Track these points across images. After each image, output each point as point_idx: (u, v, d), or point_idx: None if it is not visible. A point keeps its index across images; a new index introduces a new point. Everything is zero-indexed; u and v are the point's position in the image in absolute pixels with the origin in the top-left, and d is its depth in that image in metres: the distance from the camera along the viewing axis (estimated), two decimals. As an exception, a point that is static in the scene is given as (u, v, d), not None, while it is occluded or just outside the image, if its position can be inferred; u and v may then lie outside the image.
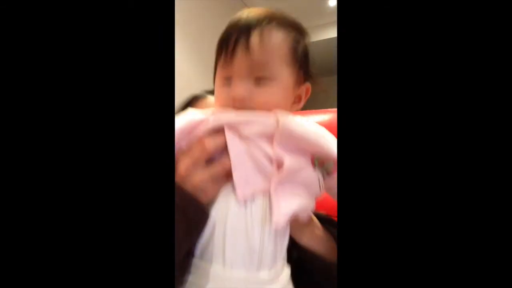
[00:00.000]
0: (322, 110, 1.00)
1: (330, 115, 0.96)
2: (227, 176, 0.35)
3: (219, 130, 0.36)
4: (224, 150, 0.35)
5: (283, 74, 0.37)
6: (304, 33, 0.40)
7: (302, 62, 0.39)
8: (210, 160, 0.36)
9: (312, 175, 0.37)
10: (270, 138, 0.34)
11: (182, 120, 0.37)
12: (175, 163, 0.36)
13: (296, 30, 0.39)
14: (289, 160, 0.34)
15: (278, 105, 0.37)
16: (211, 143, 0.35)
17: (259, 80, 0.36)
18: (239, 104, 0.36)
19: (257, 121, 0.35)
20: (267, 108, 0.36)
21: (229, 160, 0.34)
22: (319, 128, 0.37)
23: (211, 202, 0.36)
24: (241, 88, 0.35)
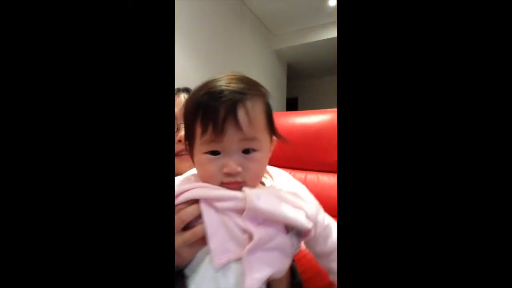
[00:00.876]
0: (322, 110, 1.00)
1: (330, 115, 0.96)
2: (201, 241, 0.38)
3: (194, 201, 0.39)
4: (198, 216, 0.38)
5: (266, 142, 0.40)
6: (267, 93, 0.42)
7: (272, 122, 0.42)
8: (186, 226, 0.39)
9: (284, 240, 0.39)
10: (241, 211, 0.37)
11: None
12: None
13: (264, 93, 0.41)
14: (258, 234, 0.36)
15: (264, 169, 0.42)
16: (187, 213, 0.38)
17: (247, 151, 0.39)
18: (232, 178, 0.38)
19: (229, 197, 0.37)
20: (258, 175, 0.40)
21: (203, 228, 0.37)
22: (290, 198, 0.40)
23: (187, 264, 0.39)
24: (234, 163, 0.38)
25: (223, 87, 0.37)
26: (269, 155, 0.42)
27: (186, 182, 0.42)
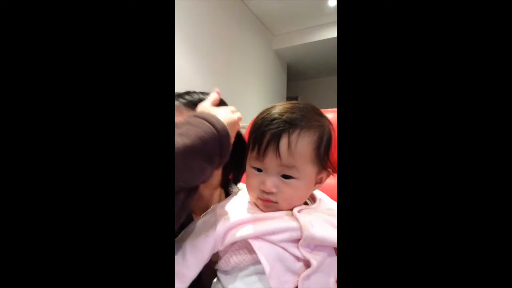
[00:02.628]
0: (322, 110, 1.00)
1: (330, 115, 0.96)
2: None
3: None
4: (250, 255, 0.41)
5: (307, 172, 0.42)
6: (328, 127, 0.45)
7: (324, 155, 0.44)
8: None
9: (335, 260, 0.41)
10: (296, 240, 0.40)
11: (206, 243, 0.42)
12: None
13: (321, 127, 0.44)
14: (315, 260, 0.39)
15: (302, 196, 0.44)
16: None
17: (286, 177, 0.42)
18: (266, 196, 0.42)
19: (284, 229, 0.40)
20: (291, 199, 0.43)
21: None
22: (335, 222, 0.42)
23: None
24: (271, 184, 0.42)
25: (276, 116, 0.41)
26: (313, 184, 0.45)
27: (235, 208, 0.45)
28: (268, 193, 0.42)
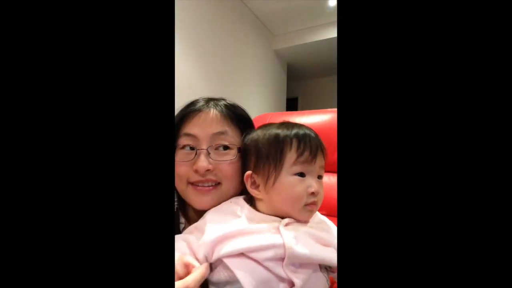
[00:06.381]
0: (322, 110, 1.00)
1: (330, 115, 0.96)
2: None
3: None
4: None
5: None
6: None
7: None
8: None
9: (319, 276, 0.42)
10: (280, 259, 0.39)
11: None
12: None
13: None
14: (299, 280, 0.39)
15: None
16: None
17: (320, 177, 0.47)
18: (315, 198, 0.44)
19: (269, 246, 0.39)
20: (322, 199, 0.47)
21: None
22: (322, 236, 0.43)
23: None
24: (316, 184, 0.45)
25: (306, 130, 0.47)
26: None
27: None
28: (316, 194, 0.44)
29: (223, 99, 0.57)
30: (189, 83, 2.47)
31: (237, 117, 0.55)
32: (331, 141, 0.98)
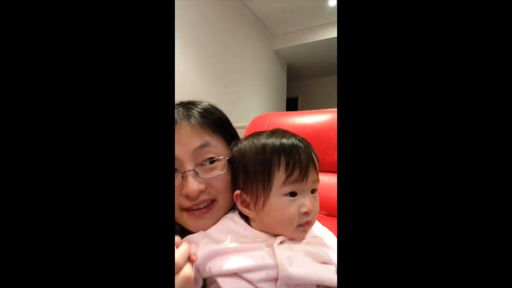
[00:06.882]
0: (322, 110, 1.00)
1: (330, 115, 0.96)
2: None
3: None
4: None
5: None
6: None
7: None
8: None
9: None
10: (274, 280, 0.38)
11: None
12: None
13: None
14: None
15: None
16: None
17: (313, 191, 0.44)
18: (308, 217, 0.42)
19: (261, 267, 0.38)
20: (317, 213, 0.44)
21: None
22: (320, 253, 0.41)
23: None
24: (309, 203, 0.42)
25: (295, 142, 0.43)
26: None
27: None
28: (310, 213, 0.41)
29: (194, 105, 0.49)
30: (189, 83, 2.47)
31: (215, 123, 0.48)
32: (331, 141, 0.98)
